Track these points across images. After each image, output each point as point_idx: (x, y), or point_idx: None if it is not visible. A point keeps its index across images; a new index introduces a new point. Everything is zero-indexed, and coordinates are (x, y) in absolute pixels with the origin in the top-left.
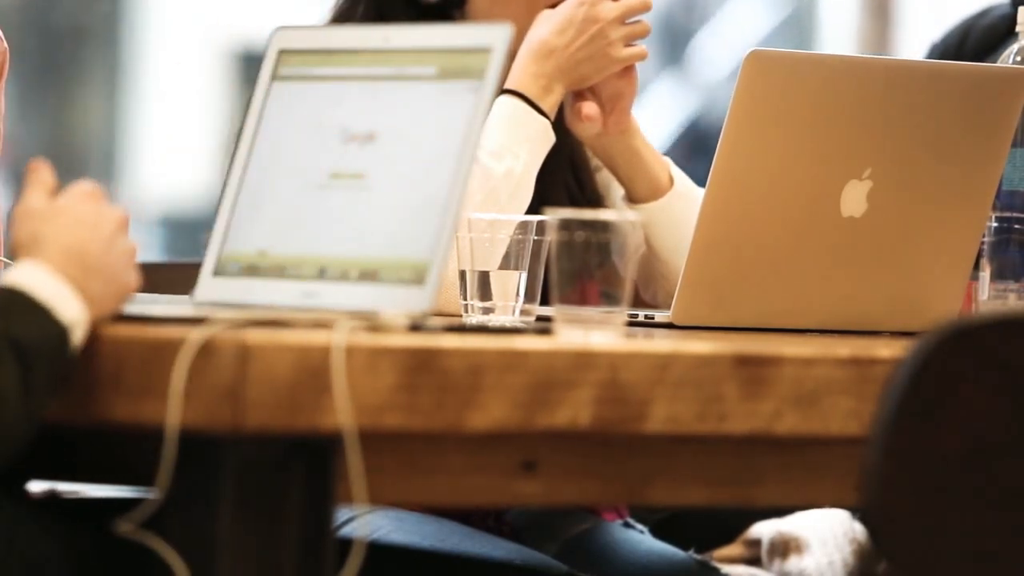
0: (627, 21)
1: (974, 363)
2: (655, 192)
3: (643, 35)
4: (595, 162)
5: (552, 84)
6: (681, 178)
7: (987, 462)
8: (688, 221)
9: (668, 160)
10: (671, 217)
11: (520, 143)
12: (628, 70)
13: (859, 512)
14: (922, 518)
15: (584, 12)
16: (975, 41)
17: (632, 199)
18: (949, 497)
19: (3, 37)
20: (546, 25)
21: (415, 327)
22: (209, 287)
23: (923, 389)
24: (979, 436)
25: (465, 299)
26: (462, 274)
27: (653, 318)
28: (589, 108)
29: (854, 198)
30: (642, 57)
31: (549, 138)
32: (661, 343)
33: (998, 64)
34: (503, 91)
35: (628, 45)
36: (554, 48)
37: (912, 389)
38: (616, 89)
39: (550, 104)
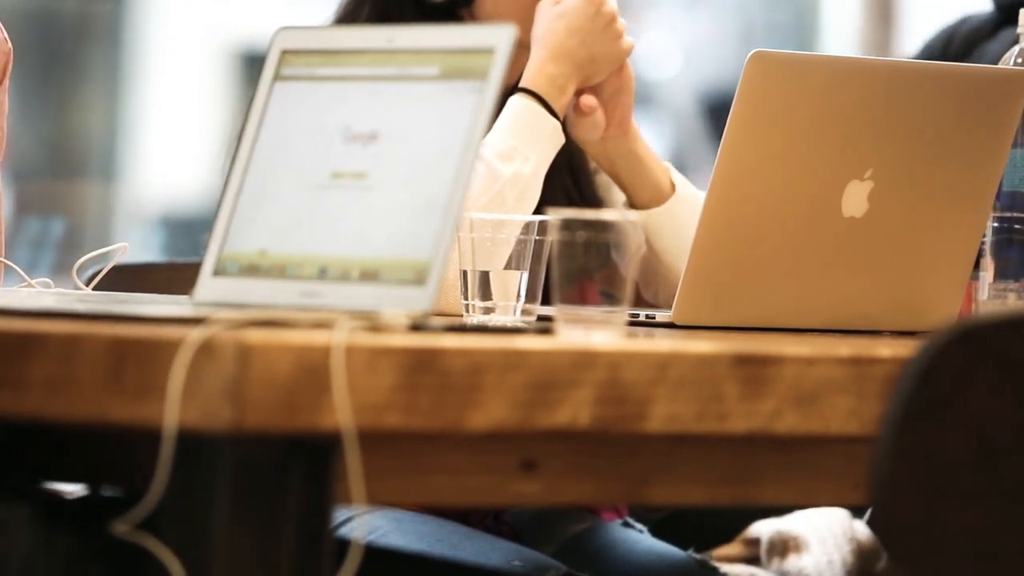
0: None
1: (981, 363)
2: (658, 198)
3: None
4: (594, 165)
5: (567, 85)
6: (682, 183)
7: (994, 462)
8: (690, 226)
9: (669, 165)
10: (673, 222)
11: (530, 145)
12: (622, 66)
13: (865, 512)
14: (929, 518)
15: (595, 9)
16: (959, 46)
17: (635, 205)
18: (956, 497)
19: (7, 37)
20: (559, 23)
21: (415, 327)
22: (209, 287)
23: (930, 389)
24: (986, 436)
25: (466, 299)
26: (463, 274)
27: (654, 318)
28: (588, 99)
29: (855, 198)
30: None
31: (559, 139)
32: (661, 343)
33: (999, 65)
34: (518, 90)
35: None
36: (571, 49)
37: (919, 389)
38: (615, 86)
39: (562, 105)
